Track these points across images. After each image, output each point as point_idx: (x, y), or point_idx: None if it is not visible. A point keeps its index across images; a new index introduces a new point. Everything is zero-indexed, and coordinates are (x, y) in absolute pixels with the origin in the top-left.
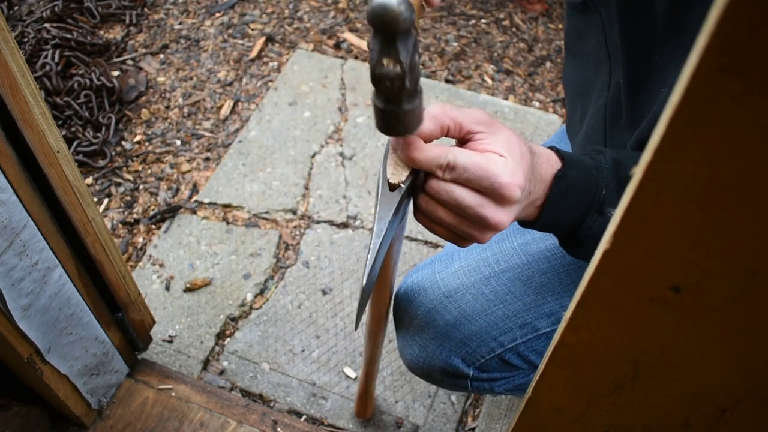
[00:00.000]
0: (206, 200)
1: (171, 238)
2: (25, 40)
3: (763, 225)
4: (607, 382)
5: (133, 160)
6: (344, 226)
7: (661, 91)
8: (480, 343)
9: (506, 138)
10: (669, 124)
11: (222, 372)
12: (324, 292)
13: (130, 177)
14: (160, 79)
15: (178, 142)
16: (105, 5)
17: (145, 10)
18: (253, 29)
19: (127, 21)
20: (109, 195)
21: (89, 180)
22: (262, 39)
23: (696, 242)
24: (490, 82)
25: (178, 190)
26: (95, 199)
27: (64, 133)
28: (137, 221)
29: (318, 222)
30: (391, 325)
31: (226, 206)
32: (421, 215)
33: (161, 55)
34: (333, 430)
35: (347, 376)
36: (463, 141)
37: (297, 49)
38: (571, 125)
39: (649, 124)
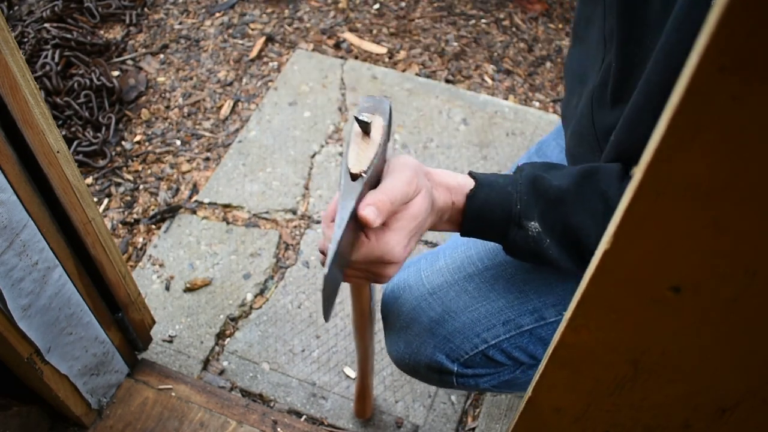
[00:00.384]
0: (206, 200)
1: (171, 238)
2: (25, 40)
3: (763, 225)
4: (607, 382)
5: (133, 160)
6: None
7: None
8: (463, 339)
9: (409, 212)
10: (669, 124)
11: (222, 372)
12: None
13: (130, 177)
14: (160, 79)
15: (178, 142)
16: (105, 5)
17: (145, 10)
18: (253, 29)
19: (127, 21)
20: (109, 195)
21: (89, 180)
22: (262, 39)
23: (696, 242)
24: (490, 82)
25: (178, 190)
26: (95, 199)
27: (64, 133)
28: (137, 221)
29: (318, 222)
30: (379, 324)
31: (226, 206)
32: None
33: (161, 55)
34: (333, 430)
35: (347, 376)
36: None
37: (297, 49)
38: (568, 111)
39: (621, 133)
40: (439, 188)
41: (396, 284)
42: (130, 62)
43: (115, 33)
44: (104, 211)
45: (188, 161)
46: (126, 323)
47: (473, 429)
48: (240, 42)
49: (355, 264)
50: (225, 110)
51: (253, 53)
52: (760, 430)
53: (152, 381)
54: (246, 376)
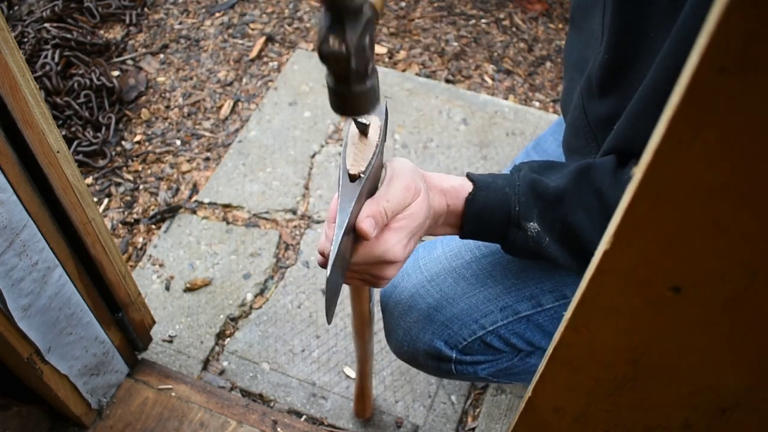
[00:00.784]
0: (206, 200)
1: (171, 238)
2: (25, 40)
3: (763, 225)
4: (607, 382)
5: (133, 160)
6: None
7: (650, 69)
8: (461, 325)
9: (409, 212)
10: (669, 124)
11: (222, 372)
12: (324, 293)
13: (130, 177)
14: (160, 79)
15: (178, 142)
16: (105, 5)
17: (145, 10)
18: (253, 29)
19: (127, 21)
20: (109, 195)
21: (89, 180)
22: (262, 39)
23: (696, 242)
24: (490, 82)
25: (178, 190)
26: (95, 199)
27: (64, 133)
28: (137, 221)
29: (318, 222)
30: (379, 324)
31: (226, 206)
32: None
33: (161, 55)
34: (333, 430)
35: (347, 376)
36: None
37: (297, 49)
38: (567, 101)
39: (618, 135)
40: (434, 191)
41: None
42: (130, 62)
43: (115, 33)
44: (104, 211)
45: (188, 161)
46: (126, 323)
47: (473, 429)
48: (240, 42)
49: (355, 266)
50: (225, 110)
51: (253, 53)
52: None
53: (152, 381)
54: (246, 376)
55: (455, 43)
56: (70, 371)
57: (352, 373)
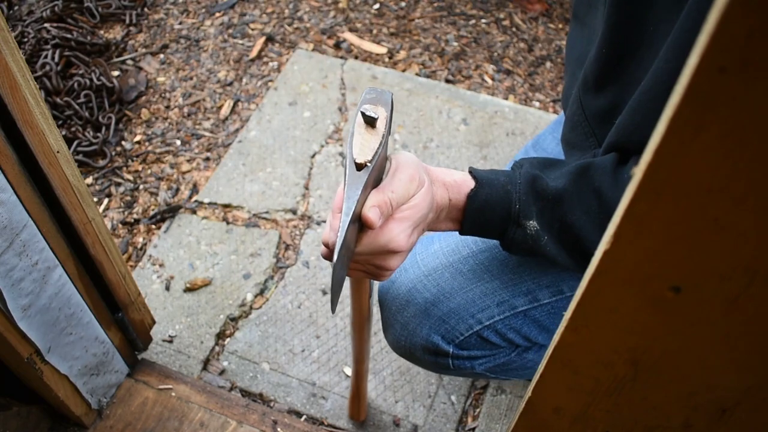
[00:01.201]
0: (206, 200)
1: (171, 238)
2: (25, 40)
3: (763, 225)
4: (607, 382)
5: (133, 160)
6: None
7: (651, 62)
8: (458, 320)
9: (413, 203)
10: (669, 124)
11: (222, 372)
12: (324, 292)
13: (130, 177)
14: (160, 79)
15: (178, 142)
16: (105, 5)
17: (145, 10)
18: (253, 29)
19: (127, 21)
20: (109, 195)
21: (89, 180)
22: (262, 39)
23: (696, 242)
24: (490, 82)
25: (178, 190)
26: (95, 199)
27: (64, 133)
28: (137, 221)
29: (318, 222)
30: (378, 325)
31: (226, 206)
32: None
33: (161, 55)
34: (333, 430)
35: (347, 376)
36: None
37: (297, 49)
38: (567, 96)
39: (619, 130)
40: (437, 185)
41: None
42: (130, 62)
43: (115, 33)
44: (104, 211)
45: (188, 161)
46: (126, 323)
47: (473, 429)
48: (240, 42)
49: (359, 256)
50: (225, 110)
51: (253, 53)
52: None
53: (152, 381)
54: (246, 376)
55: (455, 43)
56: (70, 371)
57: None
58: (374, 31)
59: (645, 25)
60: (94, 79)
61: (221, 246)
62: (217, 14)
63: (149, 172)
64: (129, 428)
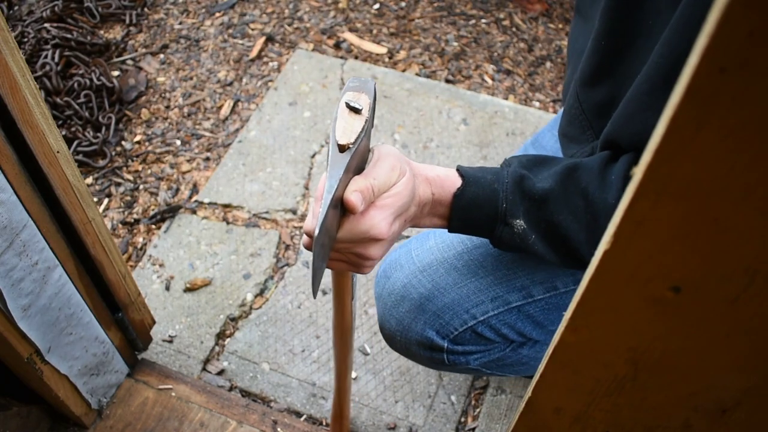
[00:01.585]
0: (206, 200)
1: (171, 238)
2: (25, 40)
3: (763, 225)
4: (607, 382)
5: (133, 160)
6: None
7: (648, 56)
8: (453, 315)
9: (394, 190)
10: (669, 124)
11: (222, 372)
12: (324, 292)
13: (130, 177)
14: (160, 79)
15: (178, 142)
16: (105, 5)
17: (145, 10)
18: (253, 29)
19: (127, 21)
20: (109, 195)
21: (89, 180)
22: (262, 39)
23: (696, 242)
24: (490, 82)
25: (178, 190)
26: (95, 199)
27: (64, 133)
28: (137, 221)
29: None
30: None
31: (226, 206)
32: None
33: (161, 55)
34: None
35: None
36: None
37: (297, 49)
38: (567, 88)
39: (614, 125)
40: (419, 179)
41: (388, 264)
42: (130, 62)
43: (115, 33)
44: (104, 211)
45: (188, 161)
46: (126, 323)
47: (473, 429)
48: (240, 42)
49: (340, 243)
50: (225, 110)
51: (253, 53)
52: (760, 430)
53: (152, 381)
54: (246, 376)
55: (455, 43)
56: (70, 371)
57: (353, 373)
58: (374, 31)
59: (643, 19)
60: (94, 79)
61: (221, 246)
62: (217, 14)
63: (149, 172)
64: (129, 428)
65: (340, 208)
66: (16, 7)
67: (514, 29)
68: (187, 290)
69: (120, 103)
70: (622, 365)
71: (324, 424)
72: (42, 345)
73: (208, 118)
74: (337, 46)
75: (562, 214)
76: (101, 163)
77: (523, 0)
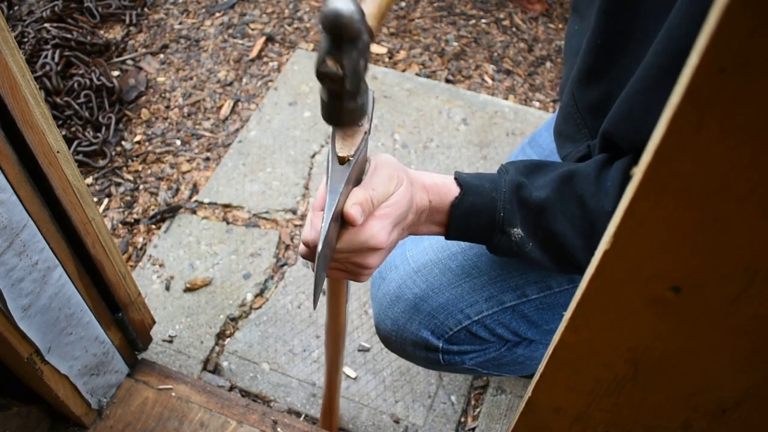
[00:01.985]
0: (206, 200)
1: (171, 238)
2: (25, 40)
3: (763, 225)
4: (607, 382)
5: (133, 160)
6: None
7: (643, 55)
8: (447, 315)
9: (393, 200)
10: (669, 124)
11: (222, 372)
12: (324, 292)
13: (130, 177)
14: (160, 79)
15: (178, 142)
16: (105, 5)
17: (145, 10)
18: (253, 29)
19: (127, 21)
20: (109, 195)
21: (89, 180)
22: (262, 39)
23: (696, 242)
24: (490, 82)
25: (178, 190)
26: (95, 199)
27: (64, 133)
28: (137, 221)
29: None
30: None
31: (226, 206)
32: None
33: (161, 55)
34: None
35: (347, 376)
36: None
37: (297, 49)
38: (563, 87)
39: (610, 123)
40: (416, 187)
41: (383, 265)
42: (130, 62)
43: (115, 33)
44: (104, 211)
45: (188, 161)
46: (126, 323)
47: (473, 429)
48: (240, 42)
49: (339, 253)
50: (225, 110)
51: (253, 53)
52: (760, 430)
53: (152, 381)
54: (246, 376)
55: (455, 43)
56: (70, 371)
57: (353, 373)
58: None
59: (638, 18)
60: (94, 79)
61: (221, 246)
62: (217, 14)
63: (149, 172)
64: (129, 428)
65: (340, 220)
66: (16, 7)
67: (514, 29)
68: (187, 290)
69: (120, 103)
70: (622, 365)
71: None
72: (42, 345)
73: (208, 118)
74: None
75: (559, 222)
76: (101, 163)
77: (523, 0)
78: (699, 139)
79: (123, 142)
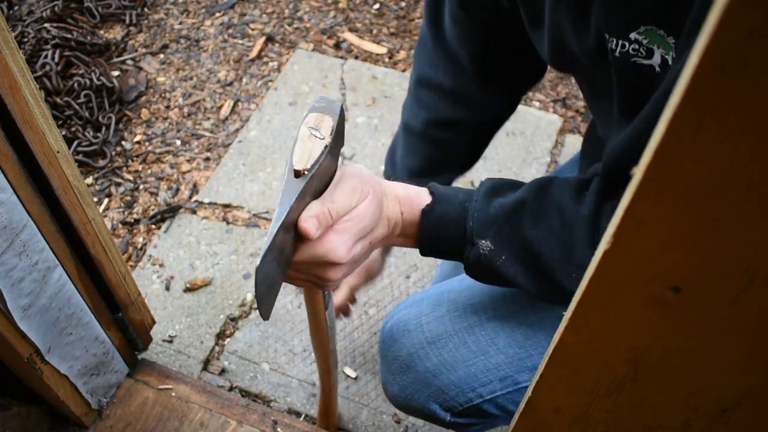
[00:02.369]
0: (206, 200)
1: (171, 238)
2: (25, 40)
3: (763, 225)
4: (607, 382)
5: (133, 160)
6: None
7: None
8: (458, 392)
9: (354, 214)
10: (669, 124)
11: (222, 372)
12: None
13: (130, 177)
14: (160, 79)
15: (178, 142)
16: (105, 5)
17: (145, 10)
18: (253, 29)
19: (127, 21)
20: (109, 195)
21: (89, 180)
22: (262, 39)
23: (696, 242)
24: None
25: (178, 190)
26: (95, 199)
27: (64, 133)
28: (137, 221)
29: None
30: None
31: (226, 206)
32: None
33: (161, 55)
34: None
35: (347, 376)
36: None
37: (297, 49)
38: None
39: (610, 158)
40: (389, 198)
41: (396, 325)
42: (130, 62)
43: (115, 33)
44: (104, 211)
45: (188, 161)
46: (126, 323)
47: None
48: (240, 42)
49: (297, 265)
50: (225, 110)
51: (253, 53)
52: (760, 430)
53: (152, 381)
54: (246, 376)
55: None
56: (70, 371)
57: (353, 373)
58: (374, 31)
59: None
60: (94, 79)
61: (221, 246)
62: (217, 14)
63: (149, 172)
64: (129, 428)
65: (296, 233)
66: (16, 7)
67: None
68: (187, 290)
69: (120, 103)
70: (622, 365)
71: None
72: (42, 345)
73: (208, 118)
74: (337, 46)
75: (535, 228)
76: (101, 163)
77: None
78: (699, 139)
79: (123, 142)
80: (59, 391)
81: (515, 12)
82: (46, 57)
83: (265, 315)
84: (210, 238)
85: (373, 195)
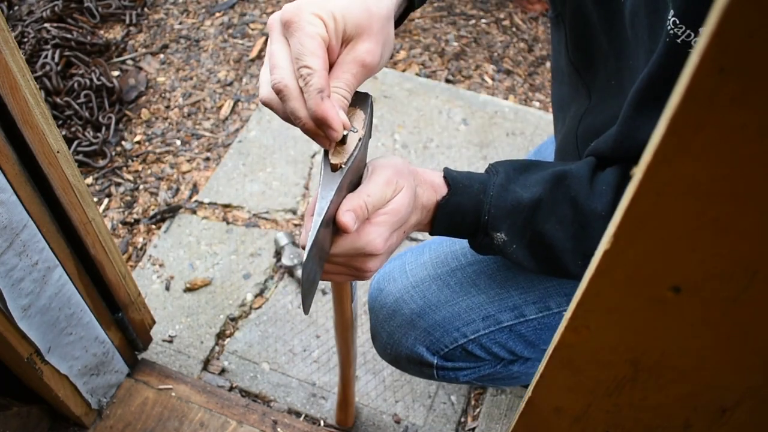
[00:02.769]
0: (206, 200)
1: (171, 238)
2: (25, 40)
3: (763, 225)
4: (607, 382)
5: (133, 160)
6: None
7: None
8: (443, 332)
9: (391, 206)
10: (669, 124)
11: (222, 372)
12: (324, 292)
13: (130, 177)
14: (160, 79)
15: (178, 142)
16: (105, 5)
17: (145, 10)
18: (253, 29)
19: (127, 21)
20: (109, 195)
21: (89, 180)
22: (262, 39)
23: (696, 242)
24: (490, 82)
25: (178, 190)
26: (95, 199)
27: (64, 133)
28: (137, 221)
29: None
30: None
31: (226, 206)
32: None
33: (161, 55)
34: (332, 430)
35: None
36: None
37: None
38: (555, 135)
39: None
40: (425, 185)
41: (381, 276)
42: (130, 62)
43: (115, 33)
44: (104, 211)
45: (188, 161)
46: (126, 323)
47: (473, 429)
48: (240, 42)
49: (335, 258)
50: (225, 110)
51: (253, 53)
52: (760, 430)
53: (152, 381)
54: (246, 376)
55: (455, 43)
56: (70, 371)
57: None
58: None
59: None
60: (94, 79)
61: (221, 246)
62: (217, 14)
63: (149, 172)
64: (129, 428)
65: (334, 227)
66: (16, 7)
67: (514, 29)
68: (187, 290)
69: (120, 103)
70: (622, 365)
71: (324, 424)
72: (42, 345)
73: (208, 118)
74: None
75: (549, 223)
76: (101, 163)
77: (523, 0)
78: (699, 139)
79: (123, 142)
80: (59, 391)
81: None
82: (46, 57)
83: (307, 310)
84: (210, 238)
85: (407, 187)
